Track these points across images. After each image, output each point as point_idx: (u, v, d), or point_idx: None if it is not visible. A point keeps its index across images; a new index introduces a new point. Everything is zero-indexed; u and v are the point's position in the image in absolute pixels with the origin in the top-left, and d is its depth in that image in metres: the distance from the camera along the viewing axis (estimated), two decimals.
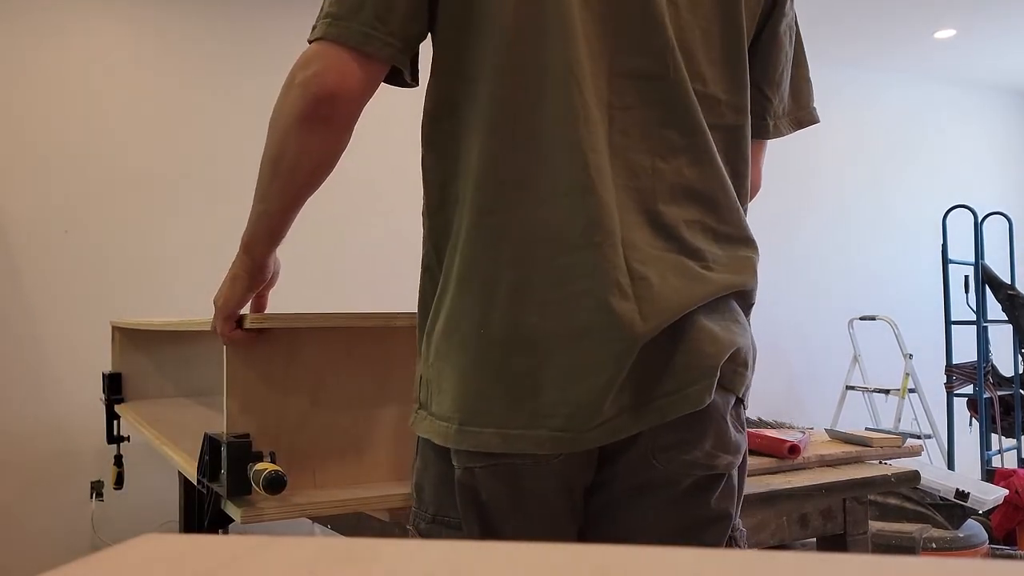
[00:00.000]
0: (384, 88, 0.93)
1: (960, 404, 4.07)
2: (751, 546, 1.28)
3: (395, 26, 0.86)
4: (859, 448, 1.62)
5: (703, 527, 0.91)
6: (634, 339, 0.82)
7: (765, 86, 0.99)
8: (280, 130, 0.90)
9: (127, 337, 2.24)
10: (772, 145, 1.09)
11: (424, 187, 0.92)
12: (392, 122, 3.75)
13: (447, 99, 0.89)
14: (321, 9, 0.89)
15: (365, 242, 3.75)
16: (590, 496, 0.90)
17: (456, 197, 0.88)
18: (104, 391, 2.21)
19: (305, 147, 0.89)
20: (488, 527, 0.86)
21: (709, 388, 0.85)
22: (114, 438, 2.21)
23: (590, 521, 0.92)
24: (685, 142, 0.88)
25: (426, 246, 0.92)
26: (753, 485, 1.33)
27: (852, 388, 4.33)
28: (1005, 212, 4.36)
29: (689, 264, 0.86)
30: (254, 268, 1.03)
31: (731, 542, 0.93)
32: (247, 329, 1.05)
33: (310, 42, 0.89)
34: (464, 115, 0.88)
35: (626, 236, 0.84)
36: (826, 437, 1.73)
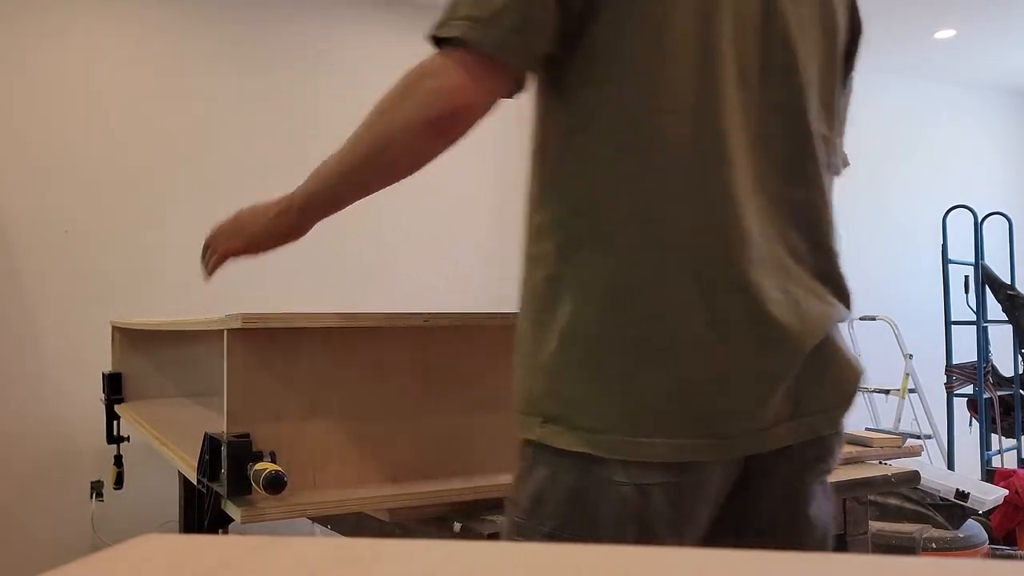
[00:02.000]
0: None
1: (960, 404, 4.07)
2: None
3: (541, 35, 0.84)
4: (859, 448, 1.62)
5: (823, 540, 0.98)
6: (800, 351, 0.86)
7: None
8: (392, 127, 0.88)
9: (127, 337, 2.24)
10: None
11: (542, 195, 0.90)
12: None
13: (586, 111, 0.87)
14: (452, 8, 0.85)
15: (376, 243, 3.75)
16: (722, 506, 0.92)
17: (588, 208, 0.86)
18: (104, 391, 2.22)
19: (414, 152, 0.89)
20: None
21: (847, 412, 0.93)
22: (114, 438, 2.21)
23: (710, 530, 0.91)
24: (806, 176, 0.93)
25: (547, 257, 0.89)
26: None
27: None
28: (1005, 212, 4.36)
29: (818, 287, 0.92)
30: (296, 228, 1.03)
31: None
32: (244, 330, 1.05)
33: (440, 40, 0.84)
34: (602, 129, 0.86)
35: (771, 256, 0.87)
36: None
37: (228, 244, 1.09)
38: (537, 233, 0.90)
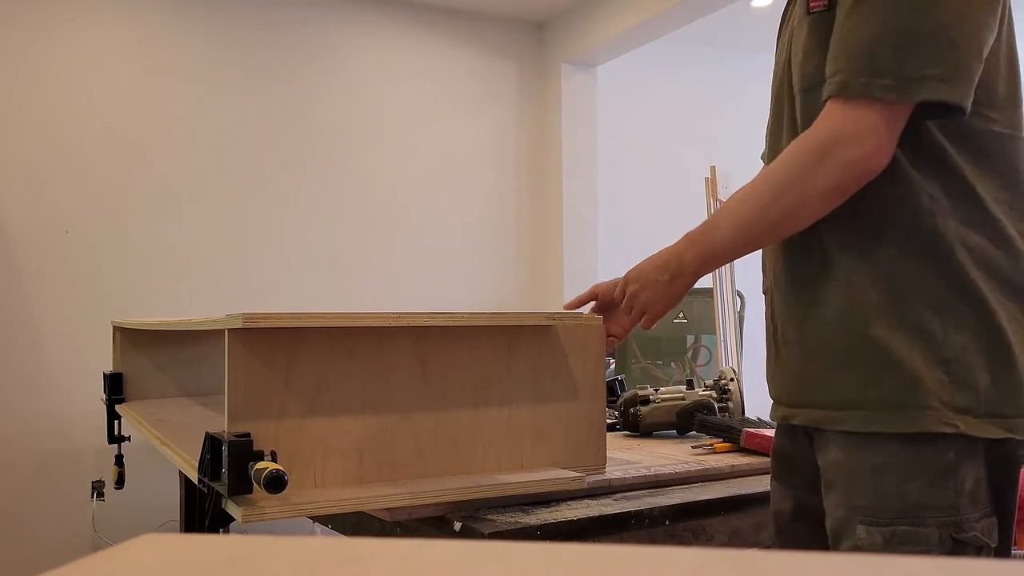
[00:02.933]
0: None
1: None
2: (751, 546, 1.28)
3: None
4: None
5: None
6: None
7: None
8: (806, 198, 0.95)
9: (128, 337, 2.25)
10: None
11: (917, 191, 0.94)
12: (458, 136, 3.75)
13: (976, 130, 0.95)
14: (902, 65, 0.87)
15: (375, 246, 3.75)
16: None
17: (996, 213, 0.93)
18: (105, 391, 2.22)
19: (820, 213, 0.96)
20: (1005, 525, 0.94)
21: None
22: (115, 438, 2.22)
23: None
24: None
25: (935, 243, 0.93)
26: (753, 485, 1.34)
27: None
28: None
29: None
30: (694, 280, 1.12)
31: None
32: (245, 329, 1.05)
33: (878, 99, 0.88)
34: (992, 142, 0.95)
35: None
36: None
37: (648, 317, 1.18)
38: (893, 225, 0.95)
